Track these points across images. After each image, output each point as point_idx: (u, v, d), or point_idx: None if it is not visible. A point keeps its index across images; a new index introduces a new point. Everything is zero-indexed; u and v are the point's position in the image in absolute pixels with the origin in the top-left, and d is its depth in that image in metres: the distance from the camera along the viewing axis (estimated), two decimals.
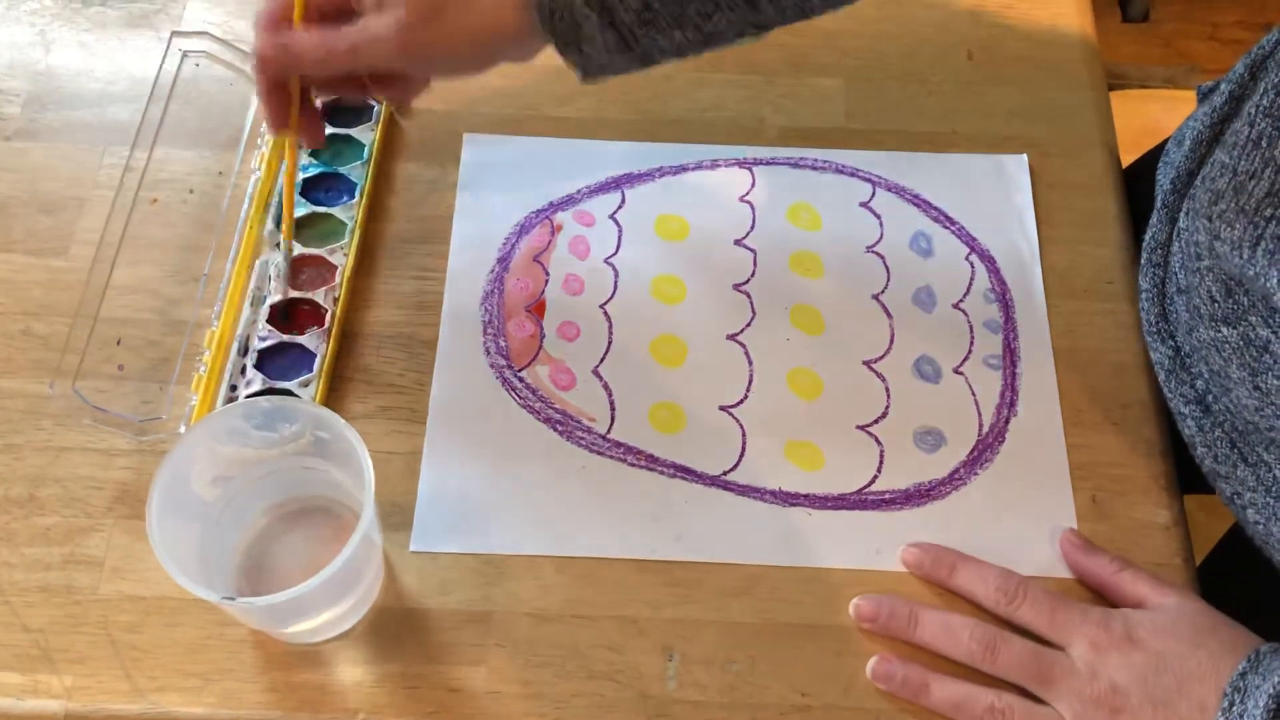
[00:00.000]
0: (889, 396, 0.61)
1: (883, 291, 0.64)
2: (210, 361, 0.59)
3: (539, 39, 0.53)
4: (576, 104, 0.69)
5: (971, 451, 0.60)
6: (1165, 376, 0.59)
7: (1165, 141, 0.68)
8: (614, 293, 0.64)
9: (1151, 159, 0.69)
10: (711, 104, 0.70)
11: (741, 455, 0.59)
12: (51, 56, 0.70)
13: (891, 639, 0.54)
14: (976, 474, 0.59)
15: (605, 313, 0.63)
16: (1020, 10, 0.74)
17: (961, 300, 0.64)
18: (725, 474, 0.59)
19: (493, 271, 0.64)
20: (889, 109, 0.70)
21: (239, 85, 0.69)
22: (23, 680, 0.53)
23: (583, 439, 0.59)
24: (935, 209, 0.67)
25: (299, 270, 0.63)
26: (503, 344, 0.62)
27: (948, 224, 0.67)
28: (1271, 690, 0.48)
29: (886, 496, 0.58)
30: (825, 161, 0.68)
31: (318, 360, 0.60)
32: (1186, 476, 0.60)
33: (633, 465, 0.59)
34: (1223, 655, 0.50)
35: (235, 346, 0.60)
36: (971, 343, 0.63)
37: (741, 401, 0.61)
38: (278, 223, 0.63)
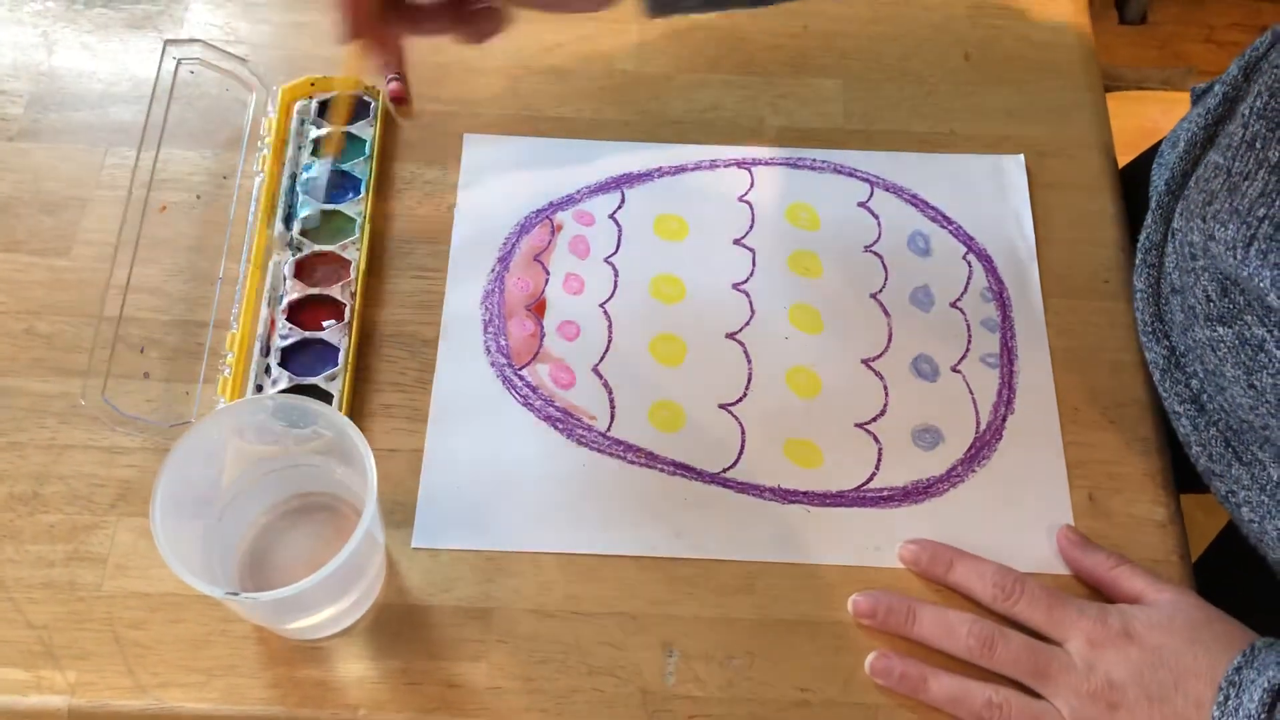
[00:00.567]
0: (887, 395, 0.61)
1: (881, 290, 0.65)
2: (234, 363, 0.60)
3: None
4: (576, 104, 0.70)
5: (969, 449, 0.60)
6: (1160, 376, 0.60)
7: (1160, 142, 0.69)
8: (614, 292, 0.64)
9: (1148, 160, 0.69)
10: (710, 104, 0.70)
11: (741, 453, 0.60)
12: (54, 58, 0.71)
13: (890, 635, 0.55)
14: (974, 471, 0.59)
15: (605, 312, 0.63)
16: (1018, 12, 0.74)
17: (959, 299, 0.65)
18: (724, 472, 0.59)
19: (493, 271, 0.64)
20: (887, 109, 0.70)
21: (236, 90, 0.69)
22: (27, 676, 0.53)
23: (583, 437, 0.60)
24: (933, 209, 0.67)
25: (312, 268, 0.63)
26: (503, 343, 0.62)
27: (945, 223, 0.67)
28: (1266, 684, 0.48)
29: (885, 494, 0.59)
30: (824, 161, 0.69)
31: (341, 354, 0.60)
32: (1182, 477, 0.60)
33: (633, 463, 0.59)
34: (1218, 650, 0.51)
35: (257, 347, 0.61)
36: (969, 341, 0.63)
37: (741, 400, 0.61)
38: (287, 223, 0.64)
